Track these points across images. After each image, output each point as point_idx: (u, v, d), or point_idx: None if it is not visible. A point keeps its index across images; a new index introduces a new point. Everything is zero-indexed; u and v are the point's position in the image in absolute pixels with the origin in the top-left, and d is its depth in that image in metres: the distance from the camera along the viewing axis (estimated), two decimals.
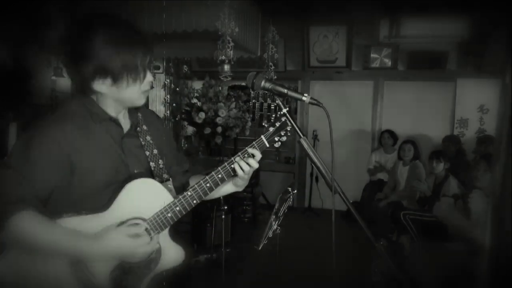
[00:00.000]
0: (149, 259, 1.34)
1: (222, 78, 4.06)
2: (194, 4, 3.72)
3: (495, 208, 0.92)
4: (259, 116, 6.92)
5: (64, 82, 5.50)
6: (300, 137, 1.31)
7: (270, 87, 1.31)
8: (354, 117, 6.32)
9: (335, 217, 1.31)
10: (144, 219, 1.32)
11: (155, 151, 1.44)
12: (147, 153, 1.42)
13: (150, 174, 1.41)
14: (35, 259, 1.22)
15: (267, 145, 1.42)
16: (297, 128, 1.31)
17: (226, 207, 4.08)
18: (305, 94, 1.26)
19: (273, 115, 1.44)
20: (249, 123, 4.85)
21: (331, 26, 6.00)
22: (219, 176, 1.38)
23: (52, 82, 4.87)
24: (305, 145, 1.31)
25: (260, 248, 2.47)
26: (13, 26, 4.30)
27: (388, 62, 5.96)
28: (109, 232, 1.23)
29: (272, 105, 6.89)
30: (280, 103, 1.33)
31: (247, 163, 1.39)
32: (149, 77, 1.33)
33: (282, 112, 1.37)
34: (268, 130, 1.42)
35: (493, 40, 5.09)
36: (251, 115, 5.14)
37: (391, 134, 5.61)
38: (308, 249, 4.42)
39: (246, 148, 1.39)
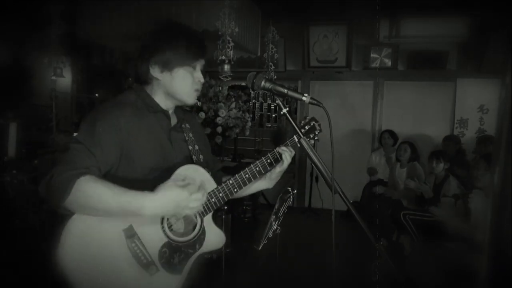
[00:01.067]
0: (195, 239, 1.46)
1: (222, 78, 4.06)
2: (193, 4, 3.72)
3: (495, 208, 0.92)
4: (259, 116, 6.92)
5: (64, 82, 5.50)
6: (300, 137, 1.31)
7: (270, 87, 1.31)
8: (354, 117, 6.32)
9: (335, 217, 1.31)
10: None
11: (197, 147, 1.58)
12: (190, 147, 1.56)
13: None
14: (96, 230, 1.31)
15: (299, 145, 1.56)
16: (297, 128, 1.32)
17: (226, 207, 4.07)
18: (305, 94, 1.27)
19: (303, 121, 1.64)
20: (249, 123, 4.85)
21: (331, 26, 6.00)
22: (257, 169, 1.53)
23: (52, 82, 4.87)
24: (305, 145, 1.31)
25: (260, 248, 2.46)
26: (13, 26, 4.30)
27: (388, 62, 5.96)
28: (167, 185, 1.31)
29: (272, 105, 6.89)
30: (280, 103, 1.34)
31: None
32: (201, 77, 1.48)
33: (282, 112, 1.38)
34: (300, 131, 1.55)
35: (493, 40, 5.08)
36: (251, 115, 5.14)
37: (391, 134, 5.60)
38: (308, 249, 4.42)
39: (281, 145, 1.56)
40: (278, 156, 1.55)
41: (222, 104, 4.42)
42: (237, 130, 4.62)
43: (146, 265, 1.35)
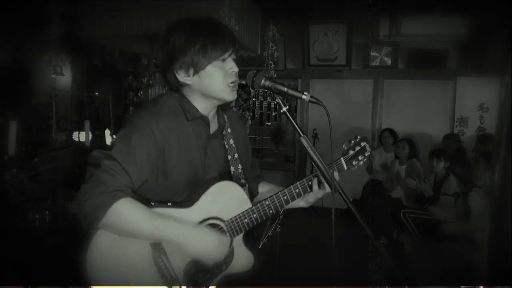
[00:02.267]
0: (222, 261, 1.39)
1: None
2: (194, 3, 3.71)
3: (495, 206, 0.92)
4: (259, 115, 6.91)
5: (64, 80, 5.49)
6: (300, 135, 1.30)
7: (270, 85, 1.30)
8: (354, 115, 6.31)
9: (335, 216, 1.31)
10: (223, 220, 1.38)
11: (236, 156, 1.50)
12: (229, 157, 1.49)
13: (229, 178, 1.47)
14: (123, 243, 1.28)
15: (345, 168, 1.50)
16: (297, 127, 1.31)
17: None
18: (305, 93, 1.26)
19: (353, 140, 1.54)
20: (249, 122, 4.84)
21: (331, 24, 5.99)
22: (297, 191, 1.44)
23: (52, 80, 4.86)
24: (305, 144, 1.31)
25: (260, 247, 2.47)
26: (13, 25, 4.30)
27: (388, 61, 5.95)
28: (200, 229, 1.31)
29: (272, 104, 6.88)
30: (280, 102, 1.33)
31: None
32: (233, 67, 1.37)
33: (282, 110, 1.37)
34: (348, 153, 1.51)
35: (493, 39, 5.08)
36: (251, 114, 5.14)
37: (392, 132, 5.59)
38: (308, 247, 4.42)
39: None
40: (308, 186, 1.46)
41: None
42: None
43: (170, 282, 1.32)
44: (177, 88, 1.40)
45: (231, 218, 1.38)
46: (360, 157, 1.53)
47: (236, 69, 1.38)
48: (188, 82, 1.36)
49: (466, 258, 2.87)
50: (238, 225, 1.39)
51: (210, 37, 1.33)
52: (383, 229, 4.58)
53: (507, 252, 0.86)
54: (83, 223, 1.23)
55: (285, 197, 1.42)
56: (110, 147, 1.31)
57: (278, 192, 1.43)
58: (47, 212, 3.06)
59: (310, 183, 1.45)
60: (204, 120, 1.42)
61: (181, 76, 1.35)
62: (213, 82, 1.35)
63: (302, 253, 4.23)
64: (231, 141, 1.50)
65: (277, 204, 1.42)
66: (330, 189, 1.35)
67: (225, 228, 1.38)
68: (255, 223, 1.40)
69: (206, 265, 1.36)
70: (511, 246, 0.86)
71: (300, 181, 1.45)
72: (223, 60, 1.35)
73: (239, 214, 1.39)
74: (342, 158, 1.50)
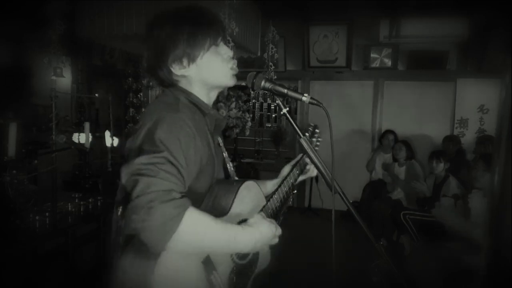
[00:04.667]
0: (251, 259, 1.39)
1: None
2: (193, 3, 3.72)
3: (495, 208, 0.92)
4: (259, 116, 6.92)
5: (64, 82, 5.49)
6: (300, 137, 1.30)
7: (270, 87, 1.30)
8: (354, 117, 6.32)
9: (335, 217, 1.31)
10: None
11: (226, 154, 1.49)
12: (224, 154, 1.47)
13: (228, 175, 1.46)
14: (179, 264, 1.14)
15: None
16: (297, 128, 1.31)
17: None
18: (305, 94, 1.26)
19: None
20: (249, 123, 4.85)
21: (331, 26, 6.01)
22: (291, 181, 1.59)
23: (52, 81, 4.86)
24: (305, 145, 1.31)
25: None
26: (13, 26, 4.30)
27: (388, 62, 5.96)
28: (258, 222, 1.26)
29: (272, 105, 6.89)
30: (280, 103, 1.32)
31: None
32: (227, 51, 1.32)
33: (282, 112, 1.36)
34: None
35: (493, 40, 5.08)
36: (251, 115, 5.13)
37: (394, 135, 5.59)
38: (308, 249, 4.41)
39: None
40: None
41: (222, 104, 4.42)
42: (237, 130, 4.61)
43: None
44: (173, 84, 1.30)
45: (256, 215, 1.31)
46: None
47: (230, 54, 1.32)
48: (186, 74, 1.27)
49: (466, 260, 2.87)
50: None
51: (197, 24, 1.26)
52: (383, 230, 4.58)
53: (506, 254, 0.86)
54: (150, 241, 1.02)
55: (291, 180, 1.59)
56: (153, 150, 1.09)
57: (280, 184, 1.52)
58: (47, 214, 3.05)
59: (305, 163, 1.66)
60: (213, 114, 1.35)
61: (177, 69, 1.26)
62: (214, 68, 1.29)
63: (302, 254, 4.23)
64: (219, 138, 1.45)
65: (283, 197, 1.52)
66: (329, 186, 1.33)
67: None
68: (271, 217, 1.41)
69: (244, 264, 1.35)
70: (511, 248, 0.86)
71: (296, 167, 1.62)
72: (216, 45, 1.28)
73: (260, 211, 1.38)
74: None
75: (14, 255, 2.67)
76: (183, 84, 1.31)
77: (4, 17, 4.02)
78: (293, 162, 1.69)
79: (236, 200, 1.28)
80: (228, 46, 1.34)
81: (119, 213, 1.26)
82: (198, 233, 1.07)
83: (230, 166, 1.47)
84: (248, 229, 1.20)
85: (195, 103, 1.29)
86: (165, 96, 1.30)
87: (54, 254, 3.02)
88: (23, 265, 2.71)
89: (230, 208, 1.27)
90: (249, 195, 1.36)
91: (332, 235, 1.29)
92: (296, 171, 1.62)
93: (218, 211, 1.25)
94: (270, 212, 1.42)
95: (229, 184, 1.34)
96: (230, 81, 1.33)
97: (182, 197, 1.06)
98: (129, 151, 1.15)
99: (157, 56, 1.26)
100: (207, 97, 1.34)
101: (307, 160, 1.57)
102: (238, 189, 1.30)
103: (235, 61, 1.34)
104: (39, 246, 2.88)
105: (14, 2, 4.10)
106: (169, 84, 1.30)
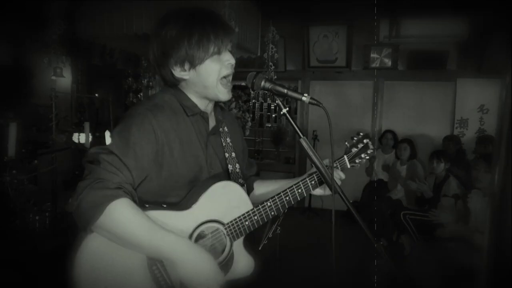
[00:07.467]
0: (222, 265, 1.29)
1: None
2: (194, 4, 3.71)
3: (495, 208, 0.92)
4: (259, 116, 6.91)
5: (64, 82, 5.50)
6: (300, 137, 1.30)
7: (270, 87, 1.30)
8: (354, 117, 6.31)
9: (335, 217, 1.31)
10: (223, 224, 1.31)
11: (233, 154, 1.46)
12: (227, 154, 1.44)
13: (227, 176, 1.42)
14: (115, 248, 1.18)
15: (348, 166, 1.45)
16: (297, 128, 1.31)
17: None
18: (305, 94, 1.25)
19: (355, 137, 1.46)
20: (249, 123, 4.85)
21: (331, 26, 6.00)
22: (299, 191, 1.38)
23: (52, 82, 4.87)
24: (305, 145, 1.30)
25: (260, 248, 2.46)
26: (13, 26, 4.30)
27: (388, 62, 5.95)
28: (199, 251, 1.21)
29: (272, 105, 6.88)
30: (280, 103, 1.32)
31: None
32: (229, 58, 1.32)
33: (282, 112, 1.36)
34: (351, 151, 1.45)
35: (493, 40, 5.08)
36: (251, 115, 5.14)
37: (393, 135, 5.59)
38: (308, 249, 4.41)
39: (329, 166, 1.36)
40: (310, 186, 1.40)
41: (222, 104, 4.41)
42: None
43: None
44: (173, 83, 1.35)
45: (231, 221, 1.31)
46: (363, 155, 1.46)
47: (232, 61, 1.34)
48: (185, 77, 1.31)
49: (466, 260, 2.87)
50: (239, 228, 1.31)
51: (205, 29, 1.27)
52: (383, 230, 4.58)
53: (507, 254, 0.86)
54: (78, 223, 1.14)
55: (287, 198, 1.36)
56: (111, 142, 1.23)
57: (280, 193, 1.36)
58: (47, 214, 3.06)
59: (313, 182, 1.40)
60: (203, 116, 1.38)
61: (177, 72, 1.30)
62: (208, 76, 1.30)
63: (302, 254, 4.23)
64: (228, 139, 1.46)
65: (279, 206, 1.35)
66: (330, 191, 1.31)
67: (224, 232, 1.31)
68: (256, 226, 1.33)
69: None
70: (511, 248, 0.86)
71: (303, 180, 1.39)
72: (220, 53, 1.30)
73: (240, 216, 1.31)
74: (345, 156, 1.45)
75: (14, 255, 2.67)
76: (181, 85, 1.36)
77: (5, 17, 4.01)
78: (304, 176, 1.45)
79: (203, 197, 1.28)
80: (232, 54, 1.35)
81: None
82: (118, 226, 1.13)
83: (231, 167, 1.43)
84: (182, 242, 1.19)
85: (181, 105, 1.33)
86: (155, 95, 1.38)
87: (54, 254, 3.03)
88: (23, 265, 2.71)
89: (194, 203, 1.27)
90: (226, 196, 1.31)
91: (332, 235, 1.29)
92: (297, 190, 1.39)
93: (185, 205, 1.28)
94: (240, 226, 1.32)
95: (210, 181, 1.31)
96: (224, 96, 1.35)
97: (117, 188, 1.13)
98: None
99: (161, 55, 1.30)
100: (201, 101, 1.37)
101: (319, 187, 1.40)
102: (210, 186, 1.29)
103: (232, 71, 1.35)
104: (39, 246, 2.88)
105: (14, 2, 4.10)
106: (171, 83, 1.35)
